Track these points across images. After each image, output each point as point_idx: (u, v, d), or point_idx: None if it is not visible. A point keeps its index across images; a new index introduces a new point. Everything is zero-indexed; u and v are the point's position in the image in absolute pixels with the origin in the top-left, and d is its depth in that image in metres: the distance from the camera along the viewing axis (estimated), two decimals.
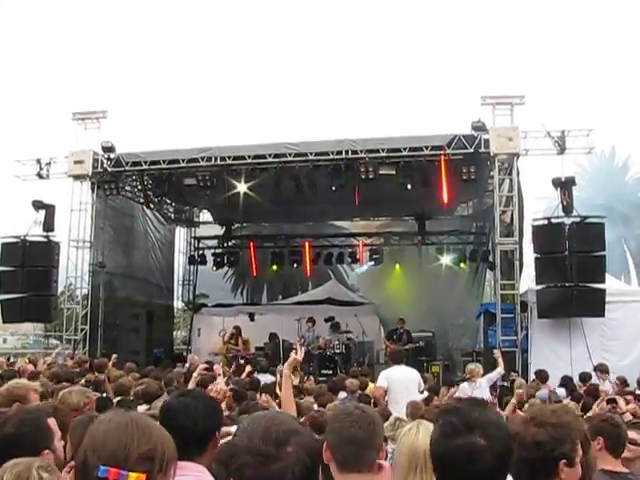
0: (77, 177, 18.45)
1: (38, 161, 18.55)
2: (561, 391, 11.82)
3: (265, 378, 11.34)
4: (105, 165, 18.37)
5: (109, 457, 1.83)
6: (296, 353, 5.60)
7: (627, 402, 8.42)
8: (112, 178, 18.69)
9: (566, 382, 12.46)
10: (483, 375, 11.55)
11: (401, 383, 9.33)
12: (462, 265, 22.82)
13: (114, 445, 1.85)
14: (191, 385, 6.95)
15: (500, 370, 11.82)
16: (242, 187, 18.08)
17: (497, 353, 12.36)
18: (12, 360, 16.09)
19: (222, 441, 3.14)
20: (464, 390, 11.30)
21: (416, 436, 3.33)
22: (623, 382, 12.07)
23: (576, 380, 12.73)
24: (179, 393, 3.30)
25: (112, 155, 18.38)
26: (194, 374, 7.26)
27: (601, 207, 26.95)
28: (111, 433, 1.89)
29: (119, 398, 8.06)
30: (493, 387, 12.04)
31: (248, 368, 7.92)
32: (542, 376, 12.70)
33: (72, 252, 18.62)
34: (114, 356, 13.50)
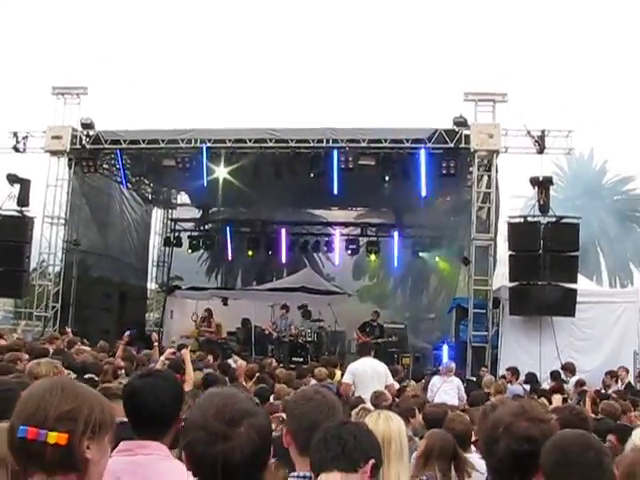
0: (54, 152, 18.28)
1: (15, 134, 18.34)
2: (526, 387, 12.01)
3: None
4: (84, 142, 18.19)
5: (28, 417, 1.83)
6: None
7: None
8: (90, 155, 18.45)
9: (530, 379, 12.62)
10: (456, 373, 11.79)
11: (367, 375, 9.38)
12: (437, 259, 22.93)
13: (34, 406, 1.85)
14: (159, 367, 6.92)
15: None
16: (221, 171, 18.00)
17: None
18: None
19: None
20: (435, 383, 11.51)
21: (376, 423, 3.46)
22: (581, 384, 12.14)
23: (546, 377, 12.92)
24: (143, 373, 3.28)
25: (91, 132, 18.21)
26: (161, 358, 7.23)
27: (577, 208, 27.14)
28: (34, 395, 1.89)
29: (88, 376, 8.01)
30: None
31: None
32: (515, 373, 12.86)
33: (46, 228, 18.51)
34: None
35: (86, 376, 7.68)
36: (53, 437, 1.80)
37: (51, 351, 10.16)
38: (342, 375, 11.13)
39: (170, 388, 3.04)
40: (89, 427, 1.87)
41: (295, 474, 2.74)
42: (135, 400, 3.00)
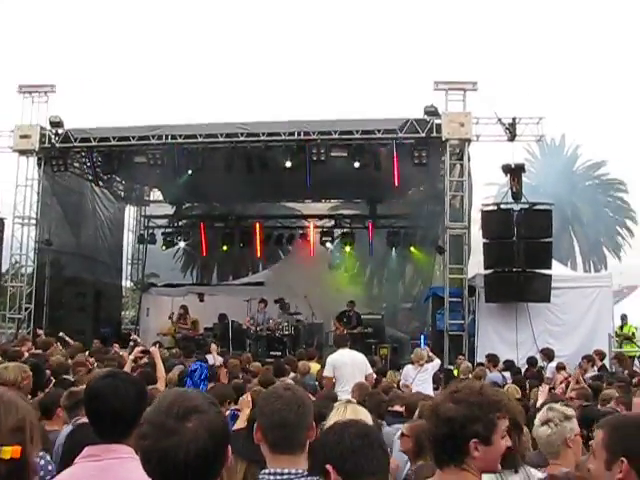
0: (23, 152, 18.03)
1: None
2: (505, 375, 12.04)
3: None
4: (53, 140, 17.95)
5: None
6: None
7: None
8: (60, 154, 18.20)
9: (509, 366, 12.68)
10: (429, 360, 11.68)
11: (347, 367, 9.35)
12: (412, 249, 22.96)
13: None
14: (127, 369, 6.84)
15: (438, 361, 12.02)
16: (193, 166, 17.88)
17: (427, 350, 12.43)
18: None
19: None
20: (408, 372, 11.46)
21: (344, 413, 3.46)
22: (561, 368, 12.23)
23: (524, 363, 13.01)
24: (105, 374, 3.22)
25: (60, 130, 17.98)
26: (130, 357, 7.16)
27: (550, 194, 27.31)
28: None
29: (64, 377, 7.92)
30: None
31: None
32: (493, 360, 12.91)
33: (17, 229, 18.27)
34: (61, 334, 13.80)
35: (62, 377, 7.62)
36: (8, 452, 1.80)
37: (26, 354, 10.03)
38: (322, 367, 11.11)
39: (132, 388, 2.98)
40: (33, 435, 1.90)
41: (267, 471, 2.73)
42: (96, 402, 2.95)
